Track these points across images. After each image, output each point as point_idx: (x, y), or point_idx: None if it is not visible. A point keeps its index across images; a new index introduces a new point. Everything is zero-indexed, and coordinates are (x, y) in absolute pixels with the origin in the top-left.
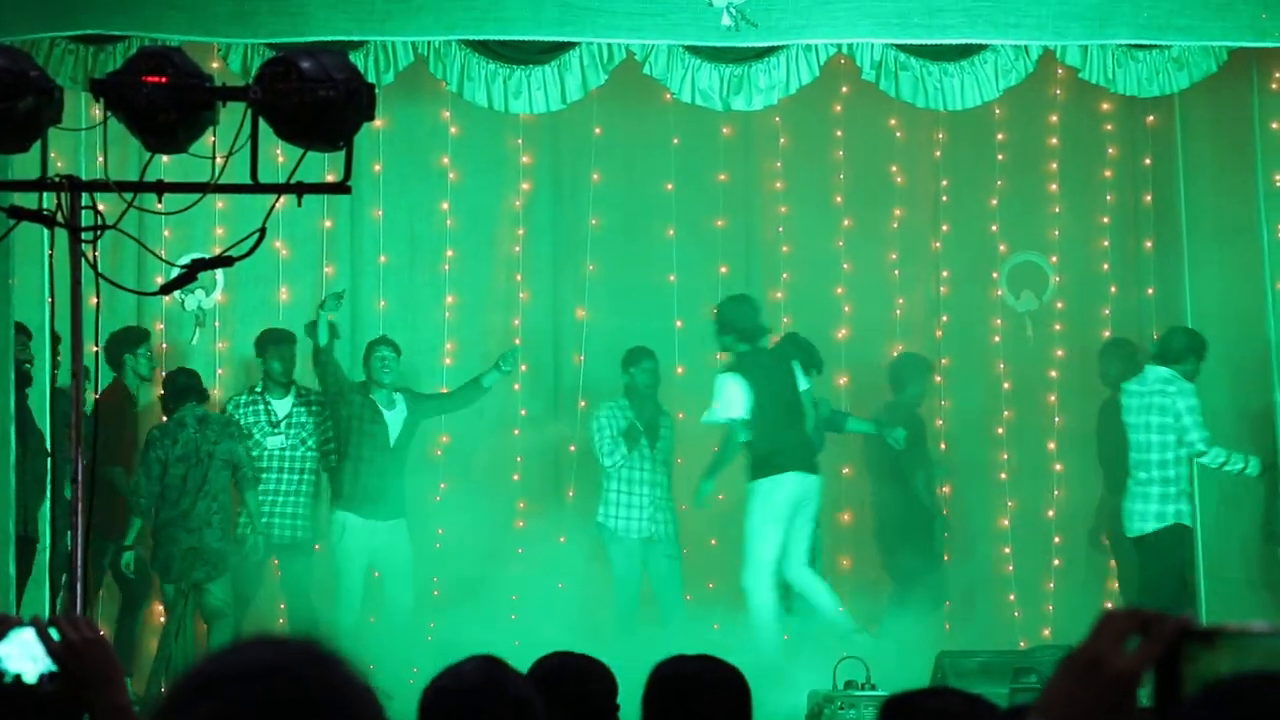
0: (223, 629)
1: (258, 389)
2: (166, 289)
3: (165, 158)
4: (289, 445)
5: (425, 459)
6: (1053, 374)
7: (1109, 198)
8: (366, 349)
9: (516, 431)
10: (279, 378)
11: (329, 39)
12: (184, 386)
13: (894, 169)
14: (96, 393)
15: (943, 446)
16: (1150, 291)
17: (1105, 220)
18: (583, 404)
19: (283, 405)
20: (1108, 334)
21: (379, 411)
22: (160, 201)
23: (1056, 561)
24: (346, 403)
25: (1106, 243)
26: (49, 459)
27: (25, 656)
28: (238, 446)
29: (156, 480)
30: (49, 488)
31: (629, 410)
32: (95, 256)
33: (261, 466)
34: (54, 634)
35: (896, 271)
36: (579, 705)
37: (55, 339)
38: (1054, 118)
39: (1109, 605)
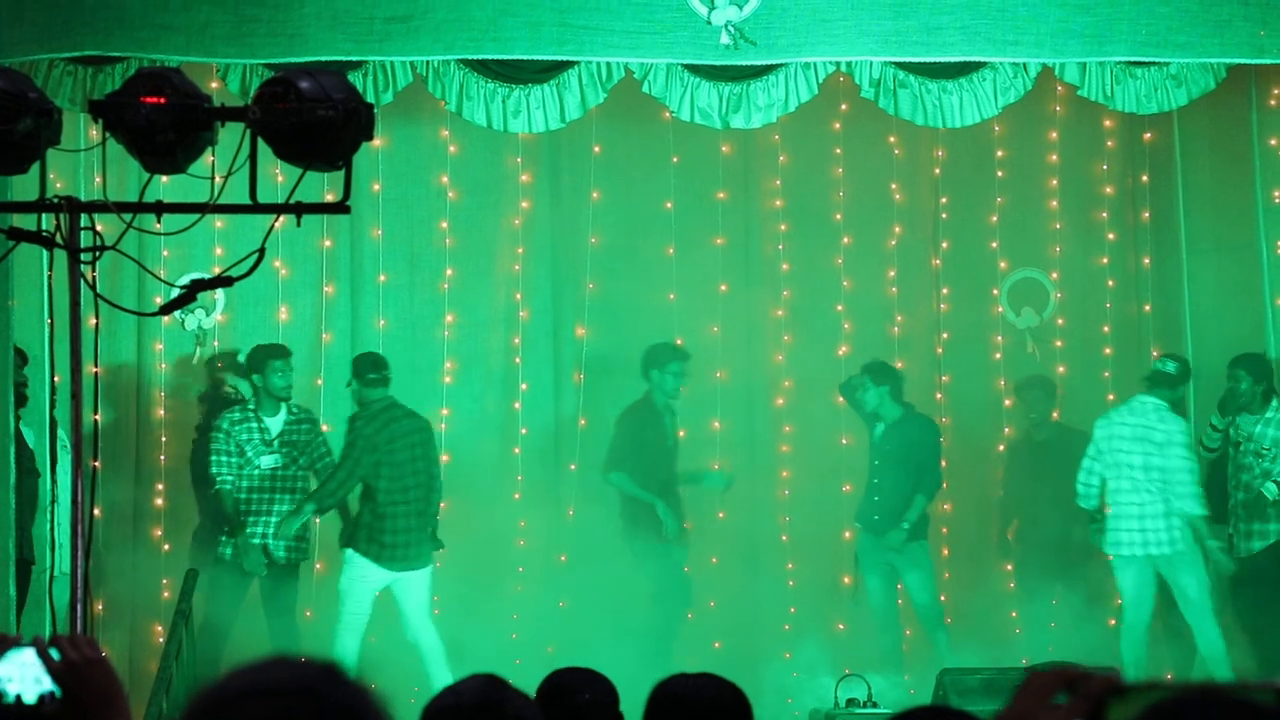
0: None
1: (250, 406)
2: (166, 309)
3: (164, 178)
4: (282, 464)
5: None
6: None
7: (1108, 214)
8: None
9: (517, 450)
10: (281, 393)
11: (328, 59)
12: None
13: (893, 186)
14: (96, 413)
15: (943, 463)
16: (1149, 308)
17: (1105, 237)
18: (583, 422)
19: (275, 423)
20: (1109, 351)
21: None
22: (159, 222)
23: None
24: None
25: (1106, 259)
26: (44, 478)
27: (26, 677)
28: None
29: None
30: (51, 508)
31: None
32: (94, 277)
33: (254, 486)
34: (55, 654)
35: (896, 289)
36: (581, 717)
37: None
38: (1053, 134)
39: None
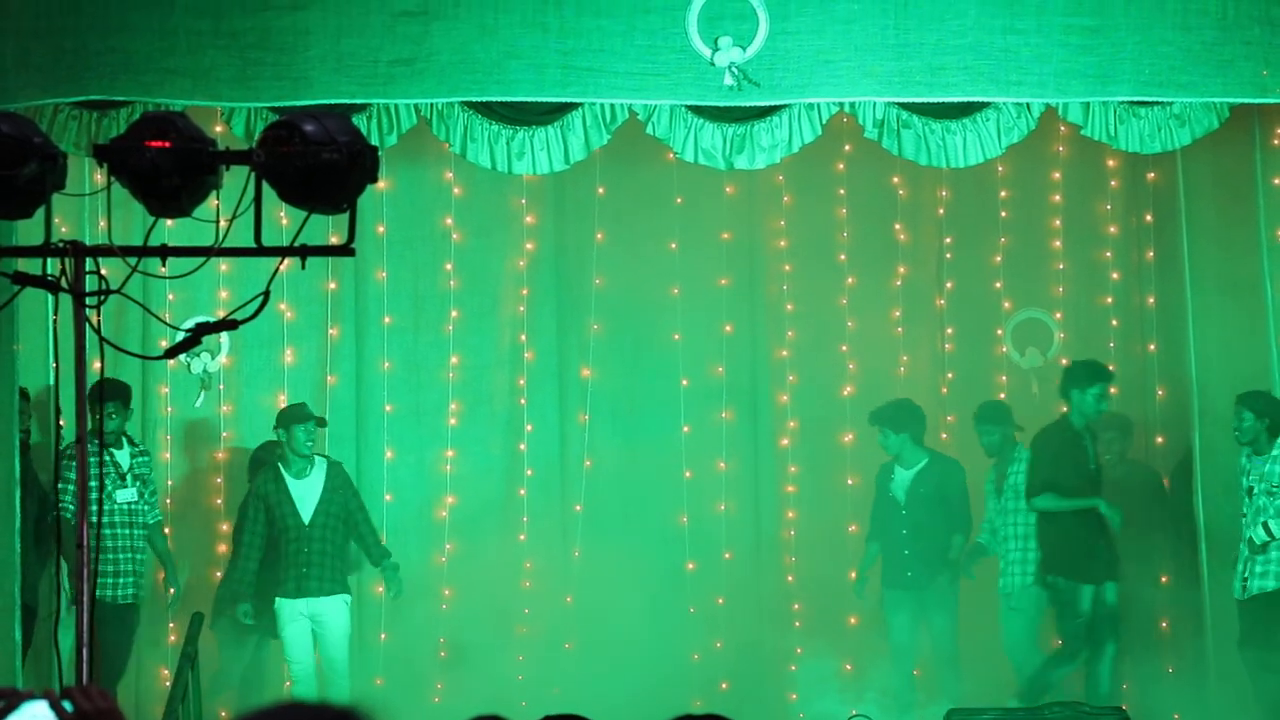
0: None
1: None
2: (171, 353)
3: (169, 222)
4: (133, 499)
5: (431, 520)
6: None
7: (1112, 254)
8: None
9: (522, 491)
10: (117, 429)
11: (332, 102)
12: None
13: (897, 227)
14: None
15: None
16: (1154, 347)
17: (1110, 276)
18: (588, 463)
19: (124, 457)
20: (1114, 391)
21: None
22: (164, 266)
23: None
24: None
25: (1111, 299)
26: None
27: None
28: None
29: None
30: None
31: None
32: (99, 321)
33: (106, 521)
34: (67, 705)
35: (901, 329)
36: None
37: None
38: (1056, 174)
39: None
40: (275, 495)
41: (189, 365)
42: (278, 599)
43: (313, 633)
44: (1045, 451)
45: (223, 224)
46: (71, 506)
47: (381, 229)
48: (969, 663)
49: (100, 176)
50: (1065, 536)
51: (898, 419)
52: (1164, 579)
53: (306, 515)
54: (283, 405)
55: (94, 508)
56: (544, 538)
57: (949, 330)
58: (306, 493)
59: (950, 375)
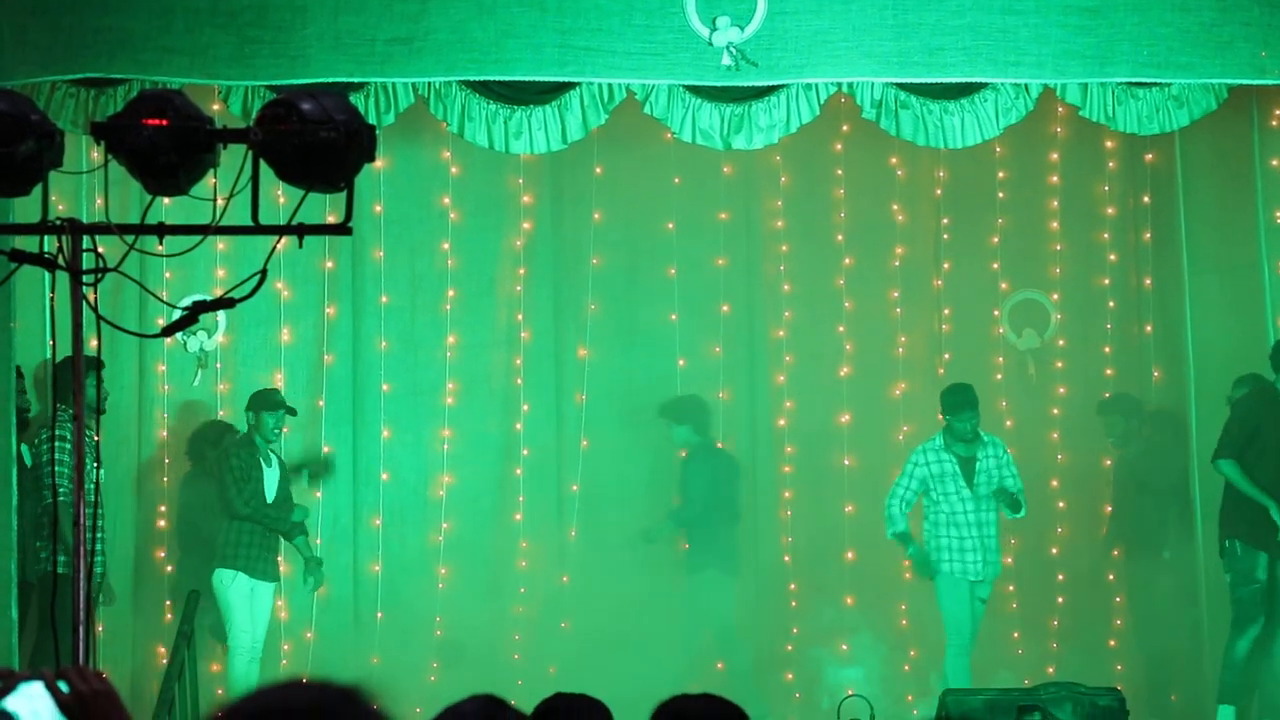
0: None
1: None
2: (168, 331)
3: (166, 200)
4: (102, 477)
5: (427, 499)
6: (1055, 412)
7: (1110, 235)
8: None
9: (519, 471)
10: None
11: (329, 80)
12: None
13: (895, 207)
14: (97, 435)
15: None
16: (1150, 328)
17: (1107, 257)
18: (585, 443)
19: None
20: (1110, 372)
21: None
22: (161, 244)
23: (1060, 599)
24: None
25: (1108, 280)
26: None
27: (36, 710)
28: None
29: None
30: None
31: (944, 452)
32: (96, 299)
33: (90, 500)
34: (64, 686)
35: (898, 310)
36: None
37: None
38: (1054, 155)
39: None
40: (255, 471)
41: (186, 344)
42: (234, 571)
43: None
44: (1243, 414)
45: (220, 202)
46: (67, 485)
47: (379, 208)
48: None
49: (97, 154)
50: (1246, 501)
51: (680, 412)
52: None
53: (270, 498)
54: (279, 384)
55: (90, 485)
56: (540, 517)
57: (946, 311)
58: (271, 478)
59: (947, 356)
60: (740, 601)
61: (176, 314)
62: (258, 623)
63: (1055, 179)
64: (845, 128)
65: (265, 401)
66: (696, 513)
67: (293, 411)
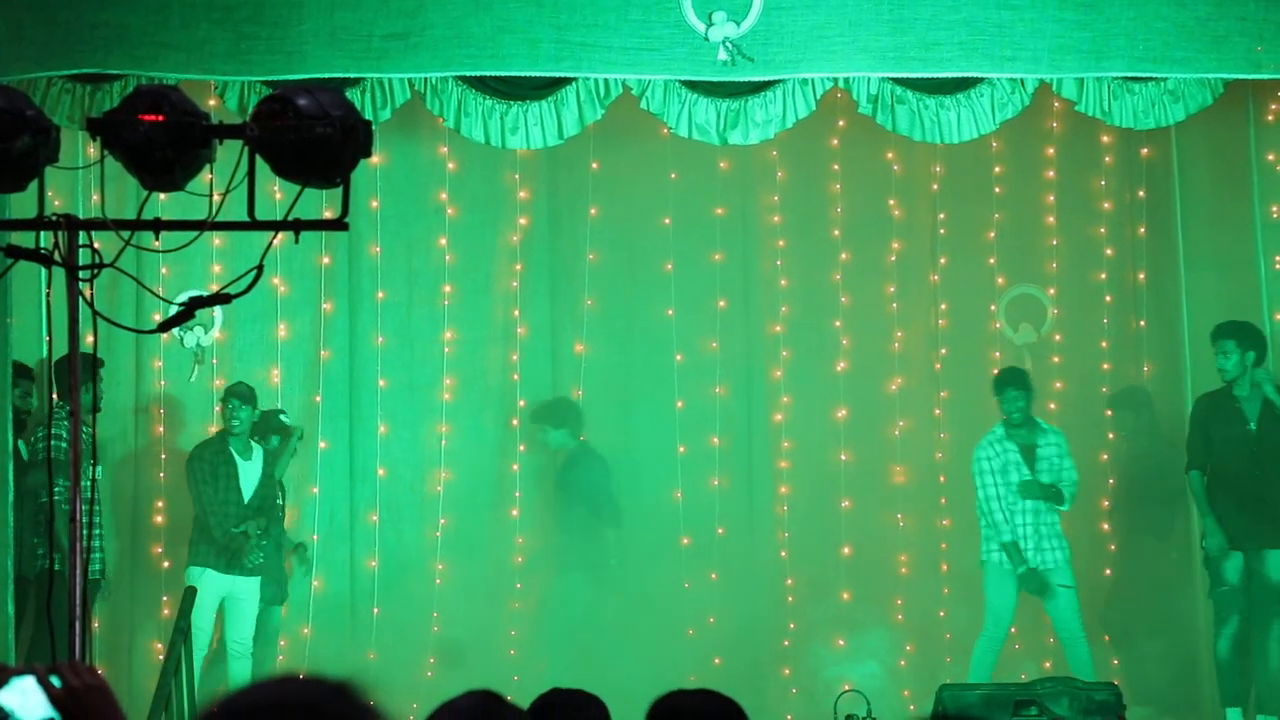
0: None
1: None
2: (165, 327)
3: (162, 196)
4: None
5: (424, 494)
6: (1051, 406)
7: (1106, 230)
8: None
9: (515, 466)
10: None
11: (326, 76)
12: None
13: (891, 202)
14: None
15: (941, 479)
16: (1145, 323)
17: (1103, 252)
18: (582, 438)
19: (85, 434)
20: (1107, 366)
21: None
22: (158, 239)
23: None
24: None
25: (1104, 275)
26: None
27: (28, 704)
28: None
29: None
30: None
31: (1007, 441)
32: (93, 295)
33: (86, 499)
34: (56, 680)
35: (895, 304)
36: None
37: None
38: (1050, 150)
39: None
40: (225, 467)
41: (182, 339)
42: (200, 568)
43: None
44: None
45: (216, 198)
46: (63, 482)
47: (375, 204)
48: (962, 636)
49: (93, 150)
50: (1216, 505)
51: (555, 414)
52: None
53: (247, 494)
54: (275, 380)
55: (86, 483)
56: (537, 513)
57: (943, 306)
58: (249, 473)
59: (944, 351)
60: (737, 596)
61: (173, 310)
62: (244, 618)
63: (1051, 174)
64: (841, 123)
65: (228, 393)
66: (590, 512)
67: (247, 396)
